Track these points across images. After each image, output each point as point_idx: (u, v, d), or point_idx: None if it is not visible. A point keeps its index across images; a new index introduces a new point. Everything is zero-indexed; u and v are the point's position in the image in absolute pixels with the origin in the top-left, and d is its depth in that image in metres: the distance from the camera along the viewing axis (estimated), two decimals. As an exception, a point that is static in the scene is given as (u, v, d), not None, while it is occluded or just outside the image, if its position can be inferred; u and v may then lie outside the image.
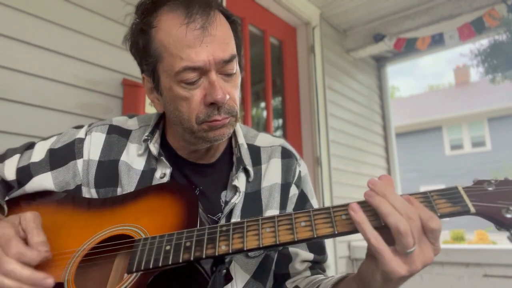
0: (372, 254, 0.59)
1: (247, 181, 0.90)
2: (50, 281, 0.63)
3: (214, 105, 0.77)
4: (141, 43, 0.80)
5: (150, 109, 1.82)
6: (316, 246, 0.93)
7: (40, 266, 0.66)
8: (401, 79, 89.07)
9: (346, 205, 0.62)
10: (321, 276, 0.88)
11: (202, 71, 0.76)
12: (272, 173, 0.93)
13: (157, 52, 0.78)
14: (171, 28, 0.76)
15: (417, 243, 0.56)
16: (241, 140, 0.95)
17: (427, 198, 0.61)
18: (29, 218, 0.69)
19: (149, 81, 0.85)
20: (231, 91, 0.80)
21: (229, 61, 0.78)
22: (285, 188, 0.93)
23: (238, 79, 0.83)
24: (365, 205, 0.61)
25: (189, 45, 0.74)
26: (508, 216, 0.58)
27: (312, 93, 3.21)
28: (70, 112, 1.68)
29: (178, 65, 0.75)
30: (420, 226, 0.56)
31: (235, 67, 0.80)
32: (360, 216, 0.58)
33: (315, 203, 0.99)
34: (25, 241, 0.68)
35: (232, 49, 0.80)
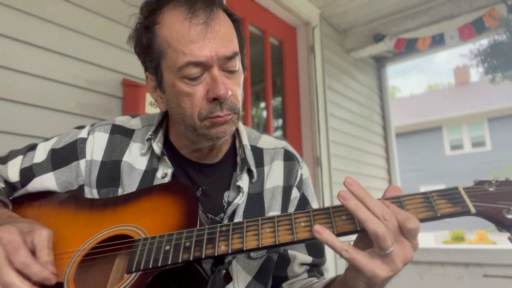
0: None
1: (250, 182, 0.90)
2: None
3: (216, 101, 0.77)
4: (145, 40, 0.81)
5: (150, 109, 1.82)
6: (315, 248, 0.93)
7: None
8: (416, 74, 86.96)
9: None
10: (314, 279, 0.88)
11: (205, 67, 0.76)
12: (274, 175, 0.93)
13: (161, 48, 0.78)
14: (174, 24, 0.76)
15: (395, 242, 0.56)
16: (245, 141, 0.94)
17: (427, 199, 0.61)
18: (44, 235, 0.67)
19: (152, 79, 0.85)
20: (233, 88, 0.80)
21: (231, 57, 0.78)
22: (286, 191, 0.93)
23: (240, 77, 0.84)
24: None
25: (192, 40, 0.75)
26: (509, 216, 0.57)
27: (312, 93, 3.21)
28: (70, 112, 1.68)
29: (181, 60, 0.75)
30: (397, 226, 0.56)
31: (237, 64, 0.80)
32: (325, 236, 0.57)
33: (315, 206, 0.98)
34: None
35: (234, 46, 0.80)
